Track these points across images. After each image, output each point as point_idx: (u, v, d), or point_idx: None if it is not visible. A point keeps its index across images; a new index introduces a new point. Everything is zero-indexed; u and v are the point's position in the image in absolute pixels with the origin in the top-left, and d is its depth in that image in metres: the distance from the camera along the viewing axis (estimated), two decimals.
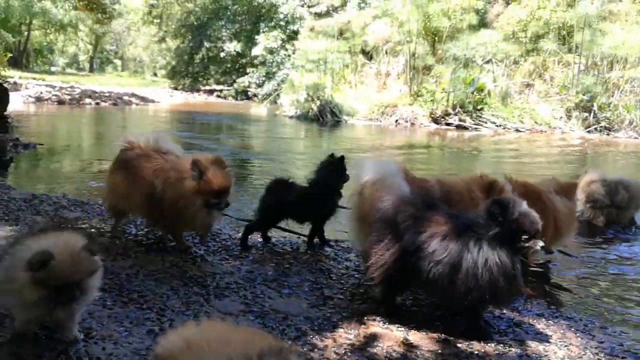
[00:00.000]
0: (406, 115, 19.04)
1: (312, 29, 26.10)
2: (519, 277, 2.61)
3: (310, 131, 17.36)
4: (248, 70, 33.45)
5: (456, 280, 2.60)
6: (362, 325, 2.76)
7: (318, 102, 19.95)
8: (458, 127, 18.13)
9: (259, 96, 31.15)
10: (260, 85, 32.23)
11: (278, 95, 26.38)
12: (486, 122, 18.14)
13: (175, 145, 3.96)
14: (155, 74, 46.29)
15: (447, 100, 18.52)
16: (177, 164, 3.57)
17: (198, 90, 35.86)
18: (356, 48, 24.56)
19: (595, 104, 18.74)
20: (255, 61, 33.05)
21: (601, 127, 18.53)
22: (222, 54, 35.06)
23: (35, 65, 44.65)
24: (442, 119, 18.43)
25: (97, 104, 21.12)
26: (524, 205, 2.65)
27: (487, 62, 20.54)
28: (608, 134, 18.31)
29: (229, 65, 35.62)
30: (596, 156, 14.32)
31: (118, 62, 55.51)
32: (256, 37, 33.15)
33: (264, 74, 32.23)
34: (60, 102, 19.96)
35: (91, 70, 45.78)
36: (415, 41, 20.16)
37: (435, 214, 2.78)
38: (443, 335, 2.73)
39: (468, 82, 18.26)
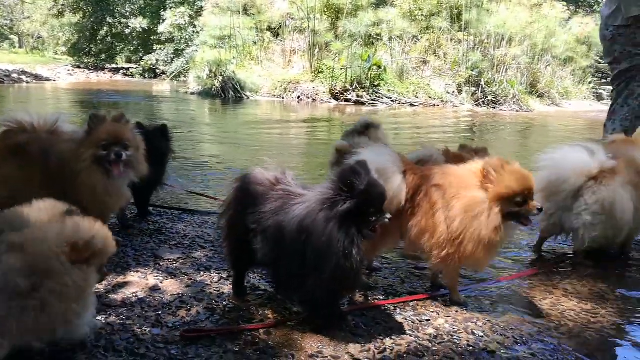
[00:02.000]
0: (308, 92, 19.32)
1: (216, 5, 25.49)
2: (361, 259, 2.32)
3: (213, 108, 17.18)
4: (155, 48, 32.27)
5: (291, 264, 2.34)
6: (121, 276, 2.93)
7: (220, 79, 19.72)
8: (356, 102, 18.67)
9: (168, 74, 30.20)
10: (168, 63, 31.21)
11: (187, 72, 25.75)
12: (382, 98, 18.83)
13: (76, 129, 3.39)
14: (56, 52, 43.31)
15: (346, 77, 18.99)
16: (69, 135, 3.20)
17: (103, 69, 34.07)
18: (262, 25, 24.41)
19: (482, 79, 20.03)
20: (162, 38, 31.94)
21: (488, 100, 19.87)
22: (127, 31, 33.50)
23: None
24: (341, 95, 18.90)
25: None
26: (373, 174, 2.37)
27: (389, 39, 21.21)
28: (494, 107, 19.69)
29: (135, 43, 34.12)
30: (483, 126, 15.40)
31: (15, 38, 51.23)
32: (163, 13, 31.98)
33: (172, 51, 31.26)
34: None
35: None
36: (315, 18, 20.35)
37: (280, 191, 2.49)
38: (199, 279, 2.96)
39: (364, 59, 18.79)
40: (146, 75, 32.08)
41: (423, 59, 21.41)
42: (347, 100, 18.80)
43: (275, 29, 24.69)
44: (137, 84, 27.37)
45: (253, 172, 2.62)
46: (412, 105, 18.95)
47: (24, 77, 22.36)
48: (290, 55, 23.17)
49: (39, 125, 3.23)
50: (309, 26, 20.33)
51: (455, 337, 2.45)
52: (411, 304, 2.80)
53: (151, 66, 32.33)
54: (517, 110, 19.56)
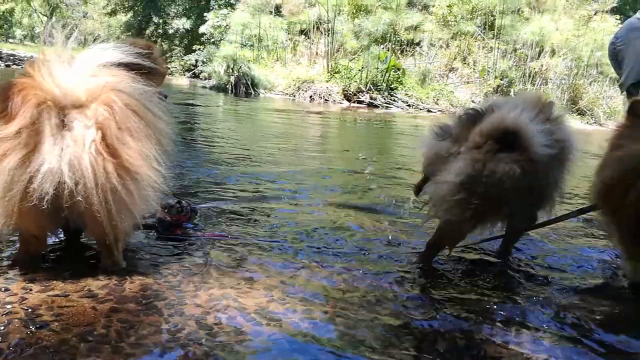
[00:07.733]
0: (321, 92, 18.46)
1: (248, 4, 25.41)
2: None
3: (226, 101, 16.66)
4: (195, 48, 32.69)
5: None
6: None
7: (235, 74, 19.32)
8: (369, 105, 17.58)
9: (206, 74, 30.40)
10: (205, 63, 31.47)
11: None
12: (397, 101, 17.65)
13: None
14: None
15: (361, 78, 17.99)
16: None
17: None
18: (294, 26, 24.00)
19: (513, 90, 18.39)
20: (203, 39, 32.32)
21: None
22: (170, 31, 34.20)
23: None
24: (354, 96, 17.89)
25: (7, 66, 20.32)
26: None
27: (418, 43, 20.10)
28: None
29: (177, 42, 34.79)
30: None
31: (81, 37, 54.09)
32: (205, 14, 32.41)
33: (210, 52, 31.53)
34: None
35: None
36: (335, 19, 19.58)
37: None
38: None
39: (382, 59, 17.75)
40: (185, 75, 32.47)
41: (450, 66, 20.06)
42: (359, 102, 17.76)
43: (304, 31, 24.23)
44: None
45: None
46: (429, 111, 17.61)
47: None
48: (315, 57, 22.56)
49: None
50: (328, 26, 19.60)
51: None
52: None
53: (190, 66, 32.73)
54: None
